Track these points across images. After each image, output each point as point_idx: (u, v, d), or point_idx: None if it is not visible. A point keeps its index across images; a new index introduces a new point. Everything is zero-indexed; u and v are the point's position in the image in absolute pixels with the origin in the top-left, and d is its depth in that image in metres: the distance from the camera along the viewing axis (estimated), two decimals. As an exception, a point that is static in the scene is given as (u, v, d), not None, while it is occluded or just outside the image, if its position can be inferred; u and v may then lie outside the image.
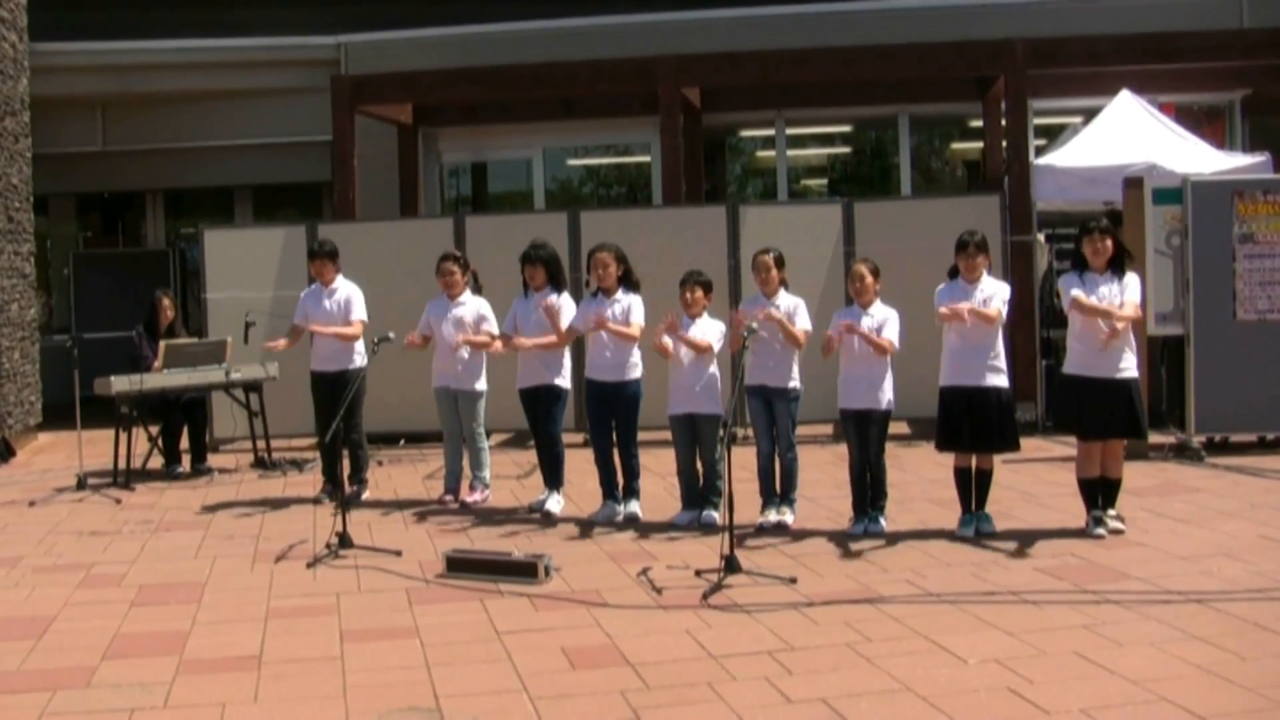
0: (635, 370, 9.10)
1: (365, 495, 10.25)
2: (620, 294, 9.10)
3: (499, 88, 15.17)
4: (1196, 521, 8.43)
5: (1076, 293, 8.05)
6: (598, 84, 15.00)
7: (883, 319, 8.41)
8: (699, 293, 8.80)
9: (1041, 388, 12.71)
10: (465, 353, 9.76)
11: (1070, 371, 8.23)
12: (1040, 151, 14.34)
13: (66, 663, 6.13)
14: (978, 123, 16.42)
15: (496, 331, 9.79)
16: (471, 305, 9.88)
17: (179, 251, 18.52)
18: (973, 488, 8.31)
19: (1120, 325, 7.93)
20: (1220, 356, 10.86)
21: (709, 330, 8.76)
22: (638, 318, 9.05)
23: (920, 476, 10.23)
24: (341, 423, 8.84)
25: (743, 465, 8.87)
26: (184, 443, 12.01)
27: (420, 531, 8.97)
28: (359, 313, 10.21)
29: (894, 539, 8.19)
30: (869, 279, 8.46)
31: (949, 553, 7.79)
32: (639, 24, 16.72)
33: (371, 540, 8.51)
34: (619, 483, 9.16)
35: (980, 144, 16.55)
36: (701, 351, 8.73)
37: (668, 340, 8.66)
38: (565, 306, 9.35)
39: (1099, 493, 8.16)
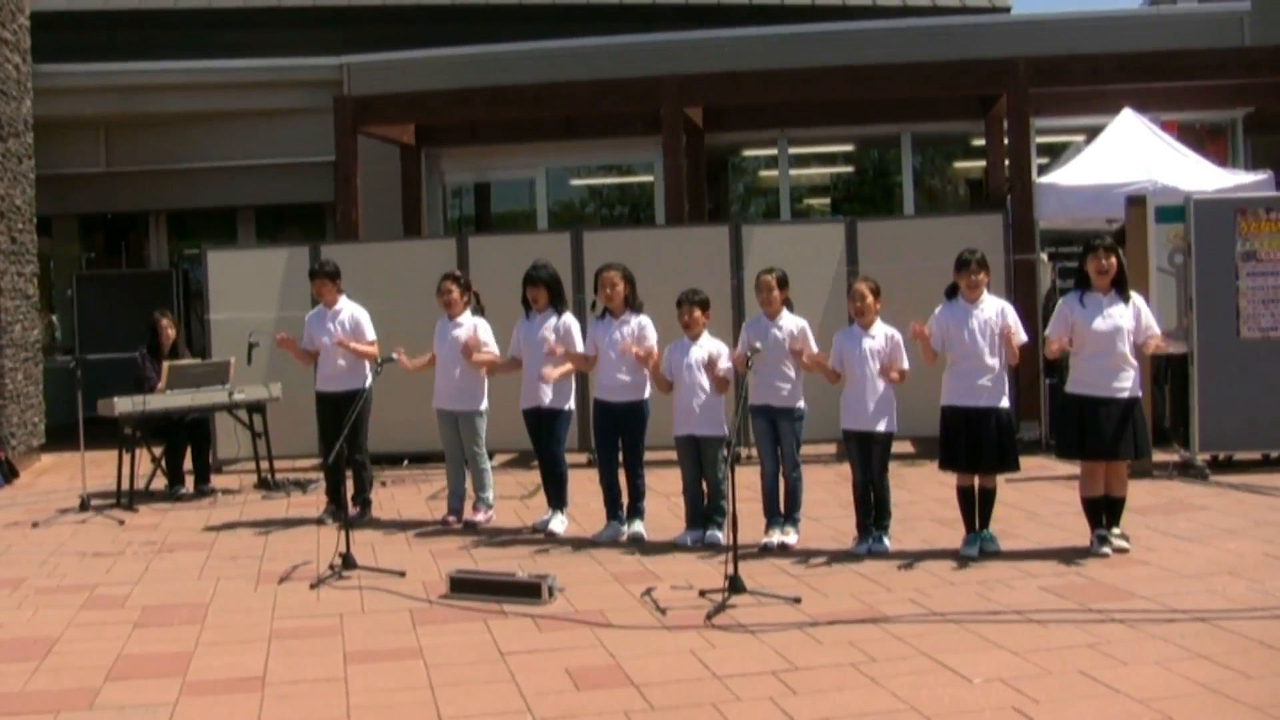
0: (645, 391, 9.10)
1: (369, 516, 10.25)
2: (628, 315, 9.11)
3: (501, 108, 15.20)
4: (1201, 540, 8.41)
5: (1048, 334, 8.34)
6: (600, 104, 15.04)
7: (886, 339, 8.41)
8: (697, 313, 8.80)
9: (1045, 407, 12.71)
10: (458, 372, 9.75)
11: (1073, 391, 8.23)
12: (1043, 170, 14.36)
13: (70, 684, 6.12)
14: (980, 141, 16.47)
15: (496, 352, 9.79)
16: (468, 325, 9.84)
17: (182, 272, 18.56)
18: (976, 507, 8.29)
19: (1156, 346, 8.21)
20: (1224, 374, 10.85)
21: (709, 350, 8.77)
22: (652, 341, 9.05)
23: (924, 496, 10.21)
24: (345, 443, 8.84)
25: (747, 485, 8.87)
26: (187, 464, 12.02)
27: (424, 552, 8.96)
28: (370, 333, 10.23)
29: (898, 558, 8.17)
30: (870, 298, 8.44)
31: (953, 572, 7.77)
32: (641, 44, 16.79)
33: (375, 561, 8.50)
34: (623, 503, 9.15)
35: (983, 163, 16.59)
36: (640, 359, 8.84)
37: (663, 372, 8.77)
38: (570, 327, 9.37)
39: (1103, 511, 8.14)
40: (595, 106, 15.16)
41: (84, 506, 10.87)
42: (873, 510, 8.48)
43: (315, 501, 10.95)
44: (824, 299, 12.16)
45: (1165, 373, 12.28)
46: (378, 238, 14.64)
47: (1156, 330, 8.20)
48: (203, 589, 8.04)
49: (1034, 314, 12.04)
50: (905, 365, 8.42)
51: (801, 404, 8.65)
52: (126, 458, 11.15)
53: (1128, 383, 8.05)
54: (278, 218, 19.29)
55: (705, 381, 8.69)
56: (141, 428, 11.38)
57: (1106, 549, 8.00)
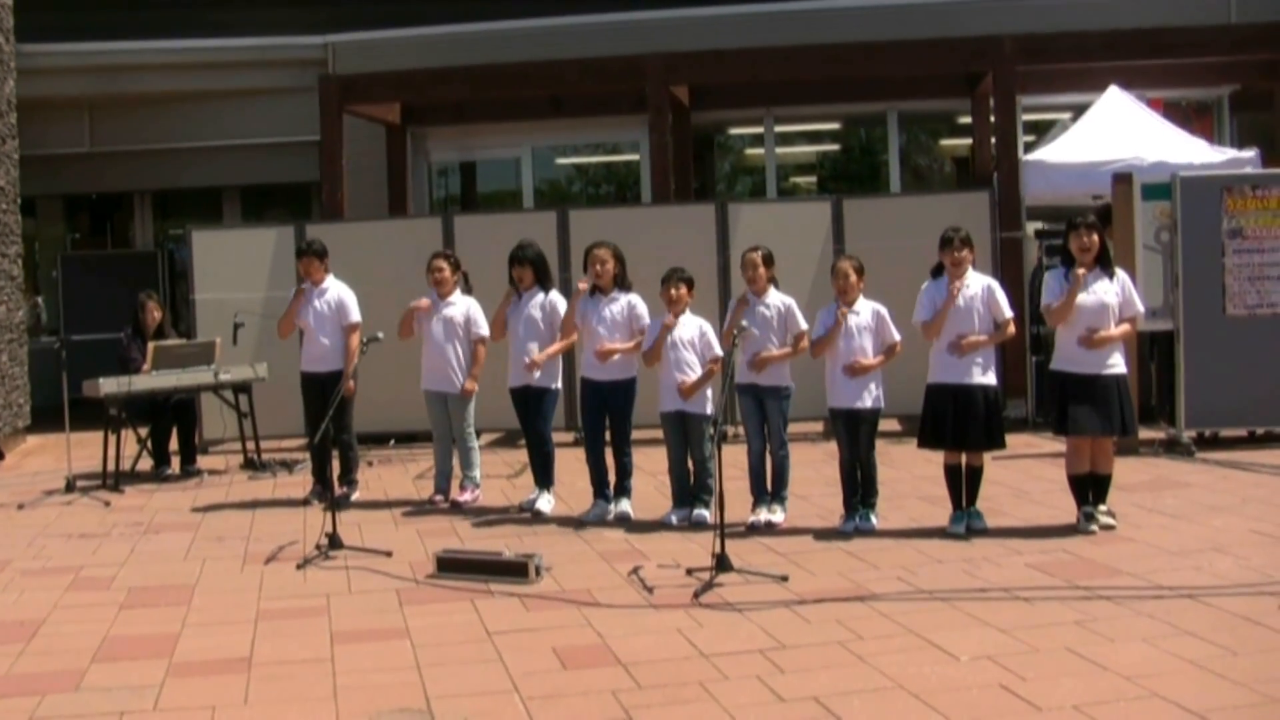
0: (632, 369, 9.09)
1: (355, 496, 10.24)
2: (617, 293, 9.09)
3: (487, 87, 15.16)
4: (1187, 516, 8.44)
5: (1047, 303, 8.22)
6: (586, 82, 14.98)
7: (872, 314, 8.39)
8: (682, 290, 8.77)
9: (1031, 384, 12.73)
10: (451, 354, 9.73)
11: (1058, 368, 8.23)
12: (1029, 148, 14.34)
13: (55, 666, 6.11)
14: (966, 119, 16.43)
15: (485, 332, 9.77)
16: (461, 305, 9.85)
17: (168, 253, 18.50)
18: (963, 484, 8.30)
19: (1119, 333, 8.09)
20: (1210, 352, 10.87)
21: (691, 327, 8.75)
22: (642, 320, 9.03)
23: (911, 474, 10.22)
24: (331, 423, 8.81)
25: (733, 463, 8.87)
26: (173, 444, 11.98)
27: (410, 531, 8.95)
28: (355, 314, 10.19)
29: (885, 536, 8.18)
30: (853, 276, 8.42)
31: (940, 550, 7.78)
32: (627, 22, 16.71)
33: (362, 541, 8.49)
34: (610, 481, 9.14)
35: (969, 140, 16.57)
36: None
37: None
38: (556, 305, 9.35)
39: (1089, 488, 8.16)
40: (581, 85, 15.12)
41: (69, 488, 10.83)
42: (860, 488, 8.48)
43: (301, 482, 10.93)
44: (810, 277, 12.12)
45: (1152, 350, 12.30)
46: (363, 217, 14.61)
47: (1139, 308, 8.22)
48: (189, 570, 8.02)
49: (1020, 291, 12.04)
50: (896, 338, 8.41)
51: (788, 382, 8.65)
52: (112, 439, 11.12)
53: (1113, 359, 8.06)
54: (263, 198, 19.22)
55: (692, 359, 8.67)
56: (127, 409, 11.35)
57: (1093, 526, 8.02)
